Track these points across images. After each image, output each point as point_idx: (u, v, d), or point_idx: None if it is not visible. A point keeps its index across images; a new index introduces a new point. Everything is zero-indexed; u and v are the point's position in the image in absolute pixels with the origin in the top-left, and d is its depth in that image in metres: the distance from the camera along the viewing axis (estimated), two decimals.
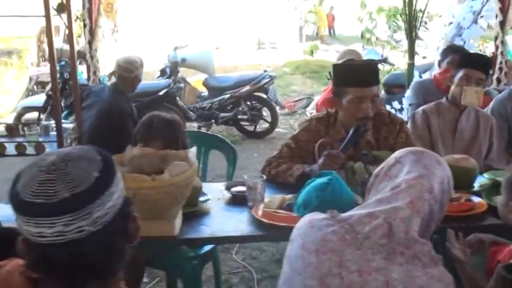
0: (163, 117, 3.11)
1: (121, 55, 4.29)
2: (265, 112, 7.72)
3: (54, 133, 3.61)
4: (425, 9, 5.33)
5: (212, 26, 13.94)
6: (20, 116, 7.00)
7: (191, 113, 7.16)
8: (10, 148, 3.44)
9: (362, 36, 10.66)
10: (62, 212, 1.07)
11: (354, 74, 2.65)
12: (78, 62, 6.79)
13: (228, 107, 7.53)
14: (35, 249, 1.11)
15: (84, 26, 4.97)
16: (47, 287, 1.13)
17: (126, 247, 1.19)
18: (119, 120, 4.03)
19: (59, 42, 7.63)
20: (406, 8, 5.17)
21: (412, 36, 5.28)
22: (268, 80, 7.36)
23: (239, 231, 2.18)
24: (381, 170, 1.68)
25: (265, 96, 7.50)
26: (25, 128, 3.67)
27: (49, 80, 10.62)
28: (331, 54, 12.69)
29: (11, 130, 3.65)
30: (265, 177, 2.40)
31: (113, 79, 4.33)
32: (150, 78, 8.18)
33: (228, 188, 2.53)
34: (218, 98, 7.42)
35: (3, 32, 17.43)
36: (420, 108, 3.28)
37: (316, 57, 11.90)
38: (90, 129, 3.98)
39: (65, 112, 4.67)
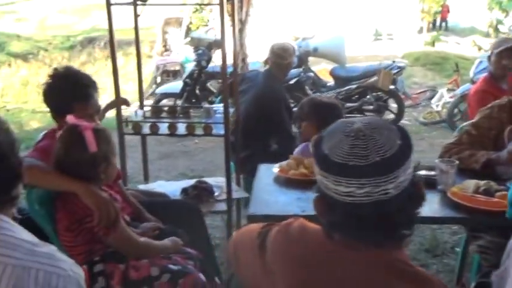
0: (316, 100, 3.24)
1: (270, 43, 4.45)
2: (392, 103, 7.67)
3: (218, 115, 3.80)
4: None
5: (329, 16, 13.95)
6: (158, 101, 7.41)
7: None
8: (181, 128, 3.66)
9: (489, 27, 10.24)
10: (373, 175, 1.17)
11: None
12: (213, 51, 7.13)
13: (354, 97, 7.56)
14: (339, 208, 1.22)
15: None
16: (346, 246, 1.25)
17: (416, 212, 1.27)
18: (272, 105, 4.19)
19: (195, 32, 7.95)
20: None
21: None
22: (397, 70, 7.31)
23: (436, 212, 2.23)
24: None
25: (392, 87, 7.45)
26: (191, 111, 3.90)
27: (174, 68, 11.17)
28: (451, 46, 12.35)
29: (184, 112, 3.90)
30: (457, 162, 2.43)
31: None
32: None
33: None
34: (345, 88, 7.46)
35: (125, 23, 18.49)
36: None
37: (434, 49, 11.62)
38: (245, 113, 4.15)
39: (219, 97, 4.89)
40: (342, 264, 1.24)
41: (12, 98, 10.86)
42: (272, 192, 2.41)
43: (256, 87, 4.23)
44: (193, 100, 7.18)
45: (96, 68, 15.38)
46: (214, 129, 3.66)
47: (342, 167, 1.19)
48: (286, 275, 1.29)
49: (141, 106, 4.19)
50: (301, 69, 7.23)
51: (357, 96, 7.55)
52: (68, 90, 2.68)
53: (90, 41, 18.75)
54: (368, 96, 7.47)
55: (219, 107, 4.07)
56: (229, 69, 7.20)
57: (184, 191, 3.74)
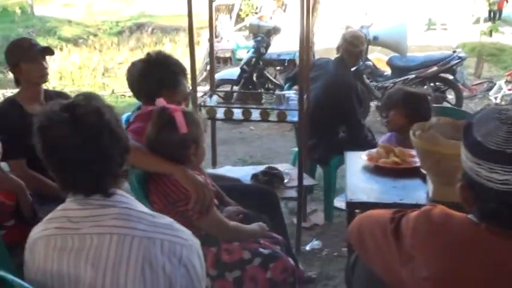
0: (405, 90, 3.23)
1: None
2: (450, 94, 7.53)
3: (291, 102, 3.80)
4: None
5: (380, 5, 13.76)
6: (216, 87, 7.44)
7: (377, 91, 7.17)
8: (254, 114, 3.69)
9: None
10: None
11: None
12: (272, 38, 7.13)
13: (412, 87, 7.45)
14: (491, 196, 1.22)
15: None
16: (496, 234, 1.24)
17: None
18: (343, 92, 4.17)
19: (254, 19, 7.97)
20: None
21: None
22: (457, 61, 7.16)
23: None
24: None
25: (451, 77, 7.32)
26: (263, 97, 3.93)
27: (224, 55, 11.20)
28: (507, 37, 12.05)
29: (256, 99, 3.93)
30: None
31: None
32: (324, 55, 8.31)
33: None
34: (402, 78, 7.35)
35: (173, 10, 18.61)
36: None
37: (490, 39, 11.35)
38: (315, 101, 4.14)
39: (287, 84, 4.90)
40: (496, 254, 1.24)
41: (69, 81, 11.09)
42: (365, 180, 2.41)
43: (327, 75, 4.21)
44: (250, 87, 7.20)
45: (144, 53, 15.56)
46: (288, 115, 3.68)
47: (499, 155, 1.19)
48: (429, 263, 1.29)
49: (212, 92, 4.24)
50: None
51: (414, 87, 7.44)
52: (157, 77, 2.72)
53: (138, 27, 18.97)
54: (426, 87, 7.36)
55: (290, 93, 4.08)
56: (289, 56, 7.27)
57: (255, 176, 3.77)
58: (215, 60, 10.76)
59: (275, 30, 6.82)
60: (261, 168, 3.95)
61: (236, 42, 11.16)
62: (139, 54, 15.03)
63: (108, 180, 1.50)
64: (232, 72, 7.49)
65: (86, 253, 1.43)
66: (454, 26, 13.93)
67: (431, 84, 7.37)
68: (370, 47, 7.20)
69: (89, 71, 11.78)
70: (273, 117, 3.69)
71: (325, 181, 4.33)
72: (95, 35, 17.68)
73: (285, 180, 3.77)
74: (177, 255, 1.45)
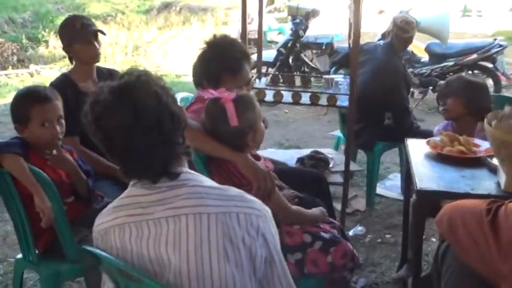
0: (465, 79, 3.17)
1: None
2: (488, 83, 7.41)
3: (341, 86, 3.77)
4: None
5: None
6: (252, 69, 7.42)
7: (414, 78, 7.07)
8: (304, 98, 3.66)
9: None
10: None
11: None
12: (310, 20, 7.06)
13: (449, 75, 7.33)
14: None
15: None
16: None
17: None
18: (392, 78, 4.13)
19: (293, 1, 7.89)
20: None
21: None
22: (498, 49, 7.03)
23: None
24: None
25: (491, 66, 7.19)
26: (312, 80, 3.90)
27: (255, 37, 11.13)
28: None
29: (304, 82, 3.89)
30: None
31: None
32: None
33: None
34: (440, 65, 7.25)
35: None
36: None
37: None
38: (363, 86, 4.09)
39: (333, 68, 4.85)
40: None
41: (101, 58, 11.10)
42: (432, 168, 2.38)
43: (376, 60, 4.16)
44: (286, 70, 7.15)
45: (172, 33, 15.58)
46: (339, 100, 3.65)
47: None
48: None
49: (260, 74, 4.21)
50: None
51: (451, 74, 7.33)
52: (219, 61, 2.70)
53: (166, 6, 18.94)
54: (464, 74, 7.25)
55: (338, 77, 4.04)
56: (327, 40, 7.20)
57: (300, 160, 3.76)
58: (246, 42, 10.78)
59: (314, 13, 6.75)
60: (305, 152, 3.94)
61: (268, 24, 11.09)
62: (168, 34, 15.07)
63: (173, 162, 1.49)
64: (268, 54, 7.43)
65: (165, 238, 1.42)
66: (490, 13, 13.66)
67: (470, 72, 7.24)
68: None
69: (120, 49, 11.79)
70: (322, 101, 3.66)
71: (369, 167, 4.31)
72: (123, 13, 17.68)
73: (330, 165, 3.75)
74: (254, 226, 1.43)
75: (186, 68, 11.46)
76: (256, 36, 11.05)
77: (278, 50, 7.11)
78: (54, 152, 2.45)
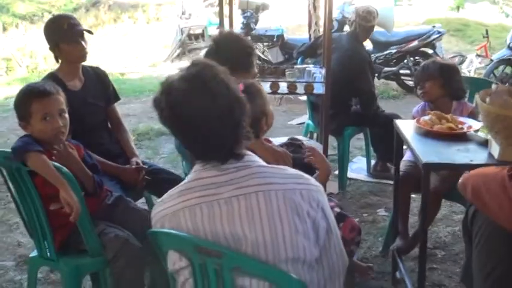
0: (440, 63, 3.43)
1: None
2: None
3: (316, 76, 3.94)
4: None
5: None
6: None
7: None
8: (282, 87, 3.81)
9: None
10: None
11: None
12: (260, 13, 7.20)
13: (392, 62, 7.71)
14: None
15: None
16: None
17: None
18: (358, 66, 4.34)
19: None
20: None
21: None
22: (437, 35, 7.46)
23: None
24: None
25: (431, 52, 7.61)
26: (287, 71, 4.05)
27: (195, 32, 11.17)
28: (472, 13, 12.46)
29: (278, 72, 4.04)
30: None
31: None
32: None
33: None
34: (384, 53, 7.60)
35: None
36: None
37: (456, 15, 11.75)
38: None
39: (300, 58, 5.02)
40: None
41: (41, 59, 10.82)
42: (429, 144, 2.59)
43: (341, 49, 4.36)
44: None
45: (105, 30, 15.31)
46: (316, 88, 3.83)
47: None
48: None
49: None
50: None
51: (395, 61, 7.71)
52: (230, 59, 2.75)
53: (94, 4, 18.56)
54: (406, 61, 7.63)
55: (309, 66, 4.22)
56: (278, 32, 7.37)
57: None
58: (191, 37, 10.82)
59: (264, 6, 6.90)
60: (281, 140, 4.08)
61: (208, 19, 11.18)
62: (101, 31, 14.78)
63: (239, 144, 1.61)
64: None
65: (239, 215, 1.54)
66: (420, 1, 14.33)
67: (411, 58, 7.65)
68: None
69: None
70: (299, 90, 3.83)
71: (339, 151, 4.51)
72: (49, 12, 17.16)
73: None
74: (315, 200, 1.59)
75: (127, 65, 11.37)
76: (196, 31, 11.12)
77: None
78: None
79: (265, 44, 7.14)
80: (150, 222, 1.69)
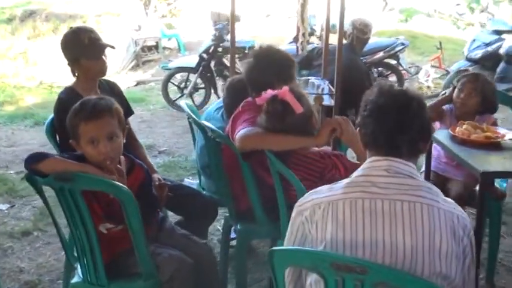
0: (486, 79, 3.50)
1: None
2: (391, 78, 8.03)
3: (322, 87, 3.96)
4: None
5: None
6: (171, 76, 7.35)
7: None
8: None
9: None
10: None
11: None
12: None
13: None
14: None
15: None
16: None
17: None
18: (356, 77, 4.40)
19: (215, 7, 7.93)
20: None
21: None
22: (401, 47, 7.68)
23: None
24: None
25: (394, 63, 7.83)
26: None
27: (146, 44, 10.97)
28: (418, 25, 12.91)
29: None
30: None
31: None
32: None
33: None
34: None
35: None
36: None
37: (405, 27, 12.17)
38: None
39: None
40: None
41: None
42: (477, 154, 2.65)
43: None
44: (208, 75, 7.21)
45: (45, 41, 14.77)
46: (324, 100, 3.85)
47: None
48: None
49: None
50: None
51: None
52: (272, 71, 2.72)
53: (30, 14, 17.86)
54: (371, 72, 7.81)
55: (311, 78, 4.25)
56: (249, 44, 7.36)
57: None
58: (145, 49, 10.62)
59: (236, 18, 6.84)
60: None
61: (161, 31, 11.05)
62: (40, 42, 14.25)
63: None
64: (189, 60, 7.44)
65: (401, 219, 1.55)
66: (368, 14, 14.71)
67: (375, 69, 7.83)
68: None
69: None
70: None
71: None
72: None
73: None
74: (468, 230, 1.62)
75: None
76: (152, 44, 10.93)
77: (200, 56, 7.14)
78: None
79: (236, 55, 7.09)
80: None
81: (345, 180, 1.66)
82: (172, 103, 7.27)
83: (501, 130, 2.94)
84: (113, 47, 3.05)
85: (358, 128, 1.76)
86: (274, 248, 1.61)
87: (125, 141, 2.41)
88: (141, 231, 2.26)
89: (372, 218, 1.56)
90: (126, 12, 12.48)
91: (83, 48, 2.90)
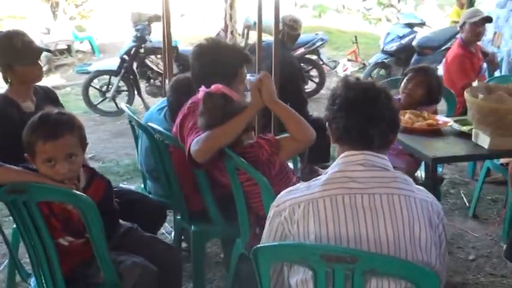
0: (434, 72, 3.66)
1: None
2: (313, 73, 8.20)
3: None
4: None
5: None
6: (91, 79, 7.10)
7: None
8: None
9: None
10: None
11: None
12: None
13: None
14: None
15: None
16: None
17: None
18: (290, 73, 4.44)
19: (135, 8, 7.71)
20: None
21: None
22: (321, 42, 7.85)
23: None
24: None
25: (315, 57, 8.00)
26: None
27: (57, 47, 10.54)
28: (331, 21, 13.19)
29: None
30: None
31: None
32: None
33: None
34: None
35: None
36: None
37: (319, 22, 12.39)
38: None
39: None
40: None
41: None
42: (422, 141, 2.76)
43: (271, 57, 4.42)
44: (131, 77, 7.04)
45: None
46: None
47: None
48: None
49: None
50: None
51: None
52: (218, 66, 2.68)
53: None
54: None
55: (251, 75, 4.23)
56: (173, 44, 7.23)
57: None
58: (52, 53, 10.18)
59: (155, 18, 6.72)
60: None
61: (73, 34, 10.68)
62: None
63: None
64: (110, 62, 7.23)
65: (382, 211, 1.58)
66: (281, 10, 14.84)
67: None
68: (250, 32, 7.55)
69: None
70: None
71: None
72: None
73: None
74: (440, 215, 1.69)
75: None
76: (63, 47, 10.53)
77: (121, 58, 6.95)
78: None
79: (158, 56, 6.98)
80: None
81: (323, 177, 1.68)
82: (94, 107, 7.02)
83: (440, 118, 3.08)
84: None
85: (327, 123, 1.77)
86: (259, 245, 1.60)
87: None
88: (103, 239, 2.18)
89: (353, 213, 1.58)
90: (32, 16, 11.93)
91: (16, 52, 2.75)
